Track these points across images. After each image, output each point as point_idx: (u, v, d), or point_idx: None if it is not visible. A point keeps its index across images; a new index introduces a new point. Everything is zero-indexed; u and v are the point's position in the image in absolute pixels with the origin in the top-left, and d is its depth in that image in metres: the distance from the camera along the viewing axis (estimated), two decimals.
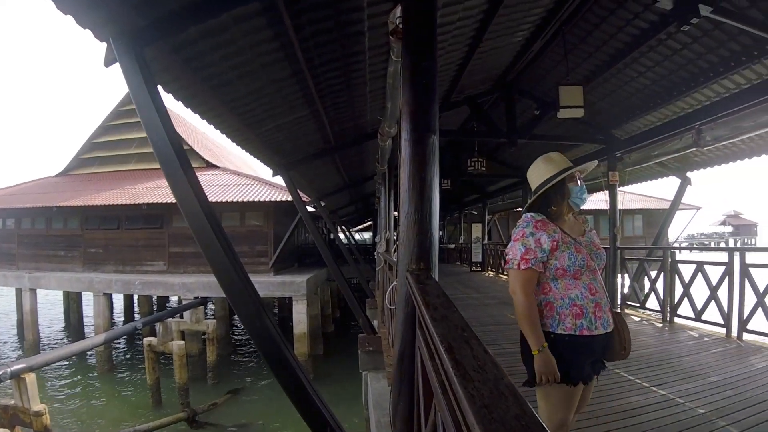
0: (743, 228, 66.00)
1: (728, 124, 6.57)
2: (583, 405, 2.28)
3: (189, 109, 4.55)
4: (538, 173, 2.30)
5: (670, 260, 7.28)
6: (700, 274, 6.75)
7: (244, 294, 3.05)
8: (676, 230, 21.15)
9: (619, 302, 8.39)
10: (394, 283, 2.70)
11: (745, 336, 5.94)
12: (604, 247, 7.48)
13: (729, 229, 67.37)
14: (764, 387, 4.17)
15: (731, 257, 6.18)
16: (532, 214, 2.23)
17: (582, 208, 2.33)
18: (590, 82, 7.40)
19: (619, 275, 8.58)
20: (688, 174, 9.41)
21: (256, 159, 7.47)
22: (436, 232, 2.50)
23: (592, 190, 12.52)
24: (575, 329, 2.05)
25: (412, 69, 2.59)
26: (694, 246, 45.42)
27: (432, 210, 2.43)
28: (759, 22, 4.83)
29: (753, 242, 64.19)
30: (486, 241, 17.82)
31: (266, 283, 14.89)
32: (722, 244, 59.34)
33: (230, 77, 4.33)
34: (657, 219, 26.19)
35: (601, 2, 5.92)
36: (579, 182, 2.23)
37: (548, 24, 6.29)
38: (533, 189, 2.32)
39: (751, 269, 5.93)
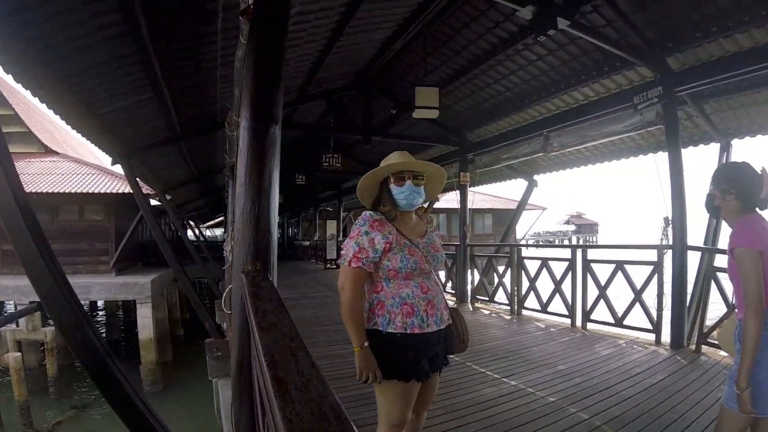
0: (585, 227, 73.12)
1: (574, 132, 7.15)
2: (427, 401, 2.29)
3: (21, 85, 3.90)
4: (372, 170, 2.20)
5: (516, 256, 7.81)
6: (545, 269, 7.31)
7: (62, 300, 2.51)
8: (524, 229, 23.12)
9: (469, 297, 8.84)
10: (230, 285, 2.45)
11: (589, 326, 6.50)
12: (455, 245, 7.77)
13: (572, 227, 73.96)
14: (609, 373, 4.49)
15: (574, 254, 6.76)
16: (371, 212, 2.14)
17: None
18: (447, 85, 7.63)
19: (470, 271, 9.06)
20: (535, 177, 10.25)
21: (94, 145, 6.62)
22: (275, 230, 2.28)
23: (444, 190, 13.15)
24: (405, 327, 2.03)
25: (257, 52, 2.33)
26: (540, 243, 49.86)
27: (271, 206, 2.19)
28: (613, 40, 5.23)
29: (594, 240, 71.21)
30: (341, 238, 17.67)
31: (107, 285, 13.46)
32: (566, 242, 65.25)
33: (67, 50, 3.73)
34: (505, 218, 28.30)
35: (465, 8, 6.07)
36: (406, 182, 2.11)
37: (411, 24, 6.32)
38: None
39: (592, 264, 6.50)
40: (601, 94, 6.60)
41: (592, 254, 6.63)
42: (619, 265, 6.08)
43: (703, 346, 5.16)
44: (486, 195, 27.60)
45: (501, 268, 8.25)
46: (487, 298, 8.54)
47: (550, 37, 5.00)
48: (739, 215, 2.10)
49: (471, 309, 8.29)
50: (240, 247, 2.20)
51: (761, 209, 2.11)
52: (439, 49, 7.08)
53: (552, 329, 6.54)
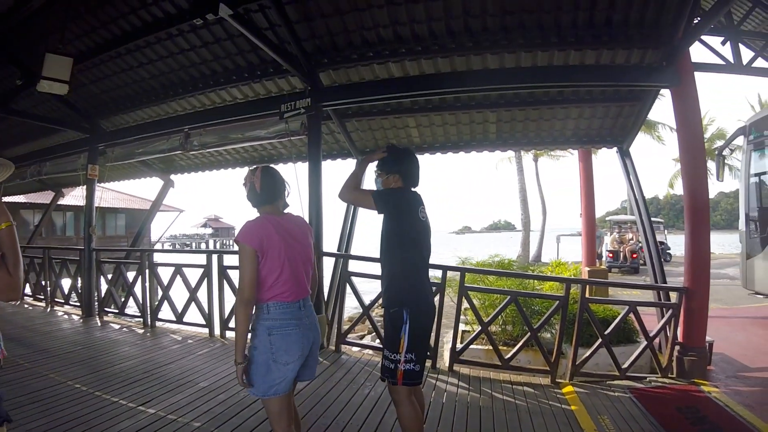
0: (222, 230, 73.36)
1: (218, 132, 6.93)
2: None
3: None
4: None
5: (148, 262, 7.05)
6: (179, 276, 6.79)
7: None
8: (159, 231, 21.90)
9: (96, 309, 7.62)
10: None
11: (228, 334, 6.31)
12: (79, 248, 6.55)
13: (210, 231, 73.73)
14: (169, 355, 4.57)
15: (209, 259, 6.50)
16: None
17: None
18: (86, 60, 6.33)
19: (96, 279, 7.83)
20: (173, 176, 9.61)
21: None
22: None
23: (70, 183, 11.17)
24: None
25: None
26: (177, 247, 47.94)
27: None
28: (272, 45, 5.14)
29: (230, 244, 72.52)
30: None
31: None
32: (203, 245, 64.61)
33: None
34: (141, 219, 26.20)
35: None
36: None
37: None
38: None
39: (228, 271, 6.32)
40: (249, 98, 6.65)
41: (228, 260, 6.49)
42: None
43: (342, 345, 5.69)
44: (119, 193, 24.92)
45: (132, 275, 7.41)
46: (117, 311, 7.53)
47: (209, 28, 4.69)
48: None
49: (99, 324, 7.13)
50: None
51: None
52: (85, 17, 5.80)
53: (190, 341, 6.15)
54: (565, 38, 5.01)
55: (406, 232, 2.66)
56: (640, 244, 25.24)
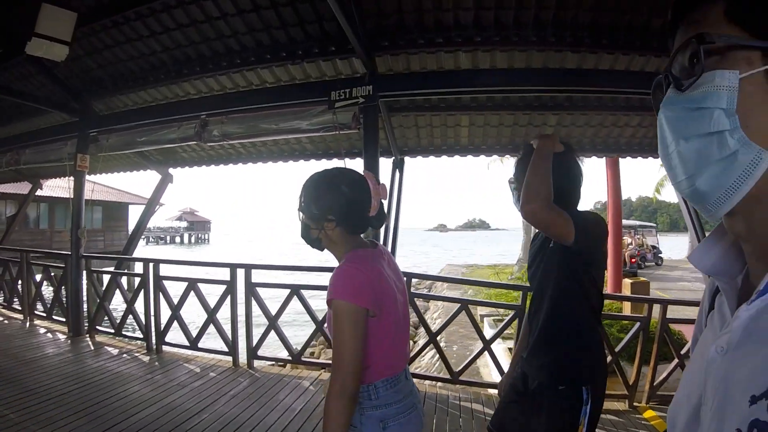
0: (198, 224, 72.90)
1: (243, 122, 5.78)
2: None
3: None
4: None
5: (153, 275, 5.88)
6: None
7: None
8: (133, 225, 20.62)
9: (85, 327, 6.41)
10: None
11: (256, 363, 5.45)
12: (64, 253, 5.37)
13: (185, 224, 72.54)
14: (193, 398, 4.04)
15: (233, 274, 5.47)
16: None
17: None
18: (83, 26, 4.92)
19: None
20: (171, 170, 8.38)
21: None
22: None
23: (52, 174, 9.79)
24: None
25: None
26: (149, 241, 46.52)
27: None
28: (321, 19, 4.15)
29: (207, 237, 71.72)
30: None
31: None
32: (177, 239, 63.91)
33: None
34: (117, 212, 24.91)
35: None
36: None
37: None
38: None
39: (258, 289, 5.40)
40: (282, 81, 5.48)
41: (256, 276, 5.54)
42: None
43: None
44: (95, 183, 23.17)
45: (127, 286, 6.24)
46: (113, 330, 6.32)
47: None
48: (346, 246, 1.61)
49: (92, 347, 5.92)
50: None
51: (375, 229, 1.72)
52: None
53: (212, 374, 5.08)
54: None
55: (597, 277, 1.90)
56: (638, 249, 25.29)
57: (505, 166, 24.57)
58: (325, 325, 1.75)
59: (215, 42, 5.26)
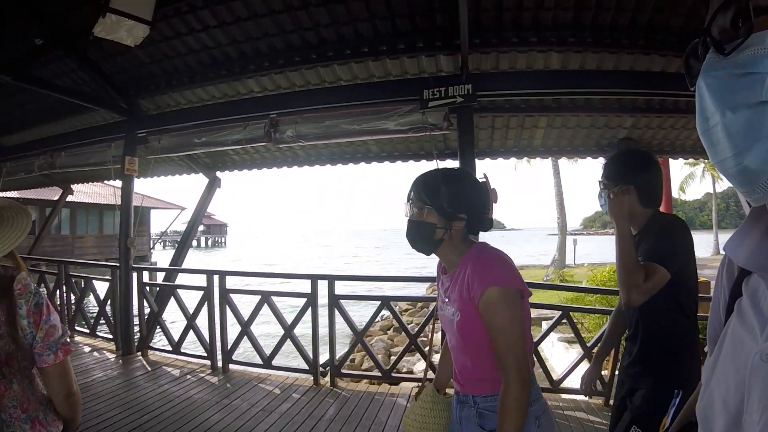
0: (215, 227, 73.19)
1: (319, 121, 5.24)
2: None
3: None
4: None
5: (219, 287, 5.35)
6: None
7: None
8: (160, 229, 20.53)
9: (136, 344, 5.92)
10: None
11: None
12: (113, 265, 4.22)
13: (202, 228, 72.82)
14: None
15: (331, 287, 5.02)
16: None
17: None
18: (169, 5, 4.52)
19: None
20: (218, 174, 7.82)
21: None
22: None
23: (92, 178, 9.32)
24: None
25: None
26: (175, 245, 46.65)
27: None
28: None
29: (223, 241, 71.95)
30: None
31: None
32: (194, 243, 64.64)
33: None
34: (138, 216, 24.15)
35: None
36: None
37: None
38: None
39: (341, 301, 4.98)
40: (359, 79, 5.01)
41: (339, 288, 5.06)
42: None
43: None
44: (116, 188, 22.80)
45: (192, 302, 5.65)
46: (171, 348, 5.77)
47: None
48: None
49: (148, 367, 5.40)
50: None
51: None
52: None
53: (295, 395, 4.53)
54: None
55: (694, 286, 1.94)
56: None
57: (532, 167, 25.26)
58: (456, 323, 1.47)
59: (292, 35, 4.77)
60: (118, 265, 6.15)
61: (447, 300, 1.56)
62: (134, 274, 6.04)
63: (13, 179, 8.95)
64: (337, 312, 4.93)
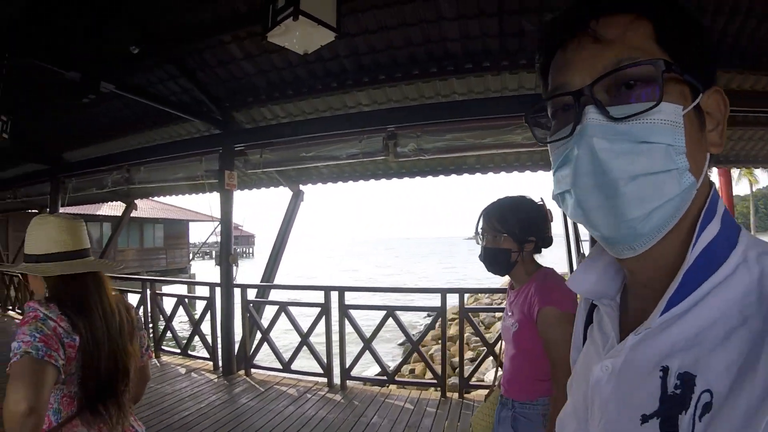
0: (242, 239, 73.63)
1: (439, 135, 5.12)
2: None
3: None
4: None
5: (339, 303, 5.27)
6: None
7: None
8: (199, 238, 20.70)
9: (235, 365, 5.80)
10: None
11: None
12: (211, 283, 4.83)
13: None
14: None
15: (462, 300, 4.94)
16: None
17: None
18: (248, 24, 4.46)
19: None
20: (302, 187, 7.70)
21: None
22: None
23: (174, 191, 9.19)
24: None
25: None
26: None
27: None
28: None
29: (251, 252, 73.08)
30: None
31: None
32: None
33: None
34: (177, 229, 24.60)
35: None
36: None
37: None
38: None
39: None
40: (474, 93, 4.98)
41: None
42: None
43: None
44: (153, 201, 22.96)
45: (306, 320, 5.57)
46: (281, 366, 5.57)
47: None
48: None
49: (260, 388, 5.22)
50: None
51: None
52: None
53: (429, 408, 4.35)
54: None
55: None
56: None
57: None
58: (513, 333, 1.66)
59: (418, 48, 4.68)
60: (217, 282, 6.05)
61: (510, 313, 1.75)
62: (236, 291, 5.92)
63: (79, 195, 8.81)
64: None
